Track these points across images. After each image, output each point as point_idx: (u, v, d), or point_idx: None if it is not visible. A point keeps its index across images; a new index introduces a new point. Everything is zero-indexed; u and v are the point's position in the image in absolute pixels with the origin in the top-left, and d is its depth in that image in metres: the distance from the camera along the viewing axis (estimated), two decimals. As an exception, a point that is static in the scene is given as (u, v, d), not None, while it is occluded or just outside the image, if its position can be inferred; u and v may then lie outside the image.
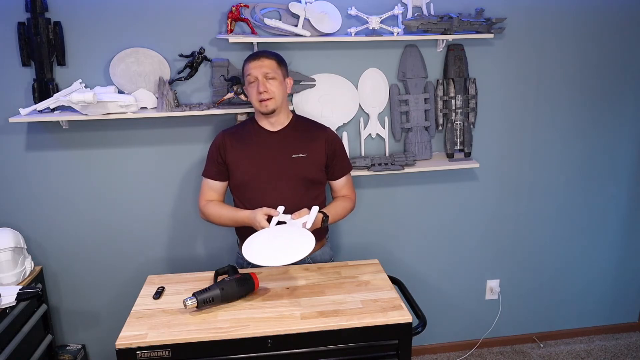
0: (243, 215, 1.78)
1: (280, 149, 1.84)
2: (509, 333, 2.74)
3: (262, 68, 1.77)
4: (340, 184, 1.96)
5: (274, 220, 1.68)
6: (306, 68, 2.17)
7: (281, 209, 1.72)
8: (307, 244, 1.58)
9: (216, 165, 1.87)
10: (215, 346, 1.42)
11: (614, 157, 2.56)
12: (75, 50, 2.02)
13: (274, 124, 1.86)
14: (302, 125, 1.91)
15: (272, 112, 1.80)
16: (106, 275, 2.29)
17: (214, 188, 1.89)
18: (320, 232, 1.95)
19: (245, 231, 1.90)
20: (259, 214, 1.69)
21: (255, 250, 1.59)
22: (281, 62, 1.83)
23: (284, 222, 1.69)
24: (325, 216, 1.78)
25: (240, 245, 1.97)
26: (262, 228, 1.66)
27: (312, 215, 1.68)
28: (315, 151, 1.86)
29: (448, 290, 2.61)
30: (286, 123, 1.87)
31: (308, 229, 1.64)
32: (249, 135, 1.87)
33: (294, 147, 1.84)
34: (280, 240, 1.61)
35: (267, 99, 1.77)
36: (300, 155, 1.84)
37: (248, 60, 1.81)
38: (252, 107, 2.01)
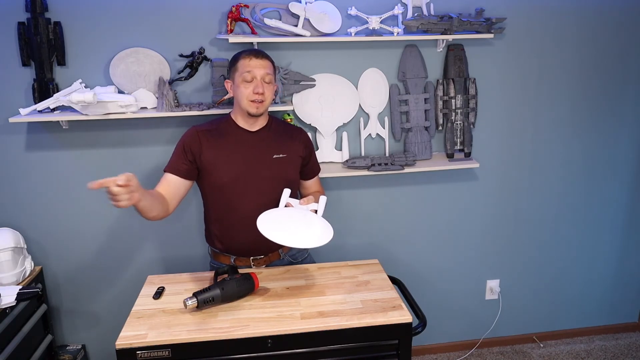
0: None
1: (261, 149, 1.81)
2: (509, 333, 2.74)
3: (264, 69, 1.73)
4: (312, 182, 2.00)
5: (283, 201, 1.69)
6: (306, 68, 2.17)
7: (287, 191, 1.72)
8: (327, 232, 1.61)
9: (186, 162, 1.75)
10: (215, 346, 1.41)
11: (614, 157, 2.56)
12: (75, 50, 2.02)
13: (253, 125, 1.82)
14: (278, 126, 1.89)
15: (260, 115, 1.77)
16: (106, 275, 2.29)
17: (175, 185, 1.74)
18: None
19: (219, 236, 1.86)
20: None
21: (270, 226, 1.58)
22: (274, 66, 1.81)
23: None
24: None
25: (212, 255, 1.94)
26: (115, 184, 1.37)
27: (321, 204, 1.70)
28: (293, 151, 1.86)
29: (448, 290, 2.61)
30: (264, 124, 1.85)
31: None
32: (226, 134, 1.81)
33: (274, 147, 1.82)
34: (297, 223, 1.63)
35: (261, 102, 1.73)
36: (281, 155, 1.82)
37: (247, 57, 1.72)
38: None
